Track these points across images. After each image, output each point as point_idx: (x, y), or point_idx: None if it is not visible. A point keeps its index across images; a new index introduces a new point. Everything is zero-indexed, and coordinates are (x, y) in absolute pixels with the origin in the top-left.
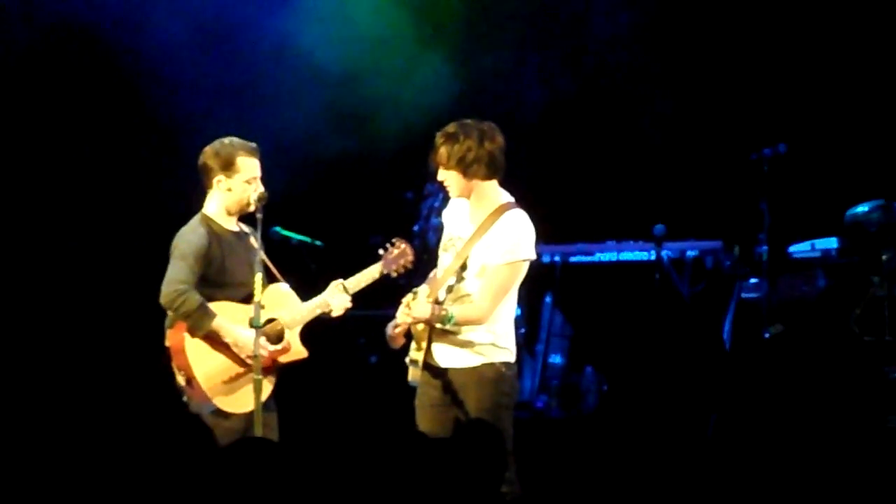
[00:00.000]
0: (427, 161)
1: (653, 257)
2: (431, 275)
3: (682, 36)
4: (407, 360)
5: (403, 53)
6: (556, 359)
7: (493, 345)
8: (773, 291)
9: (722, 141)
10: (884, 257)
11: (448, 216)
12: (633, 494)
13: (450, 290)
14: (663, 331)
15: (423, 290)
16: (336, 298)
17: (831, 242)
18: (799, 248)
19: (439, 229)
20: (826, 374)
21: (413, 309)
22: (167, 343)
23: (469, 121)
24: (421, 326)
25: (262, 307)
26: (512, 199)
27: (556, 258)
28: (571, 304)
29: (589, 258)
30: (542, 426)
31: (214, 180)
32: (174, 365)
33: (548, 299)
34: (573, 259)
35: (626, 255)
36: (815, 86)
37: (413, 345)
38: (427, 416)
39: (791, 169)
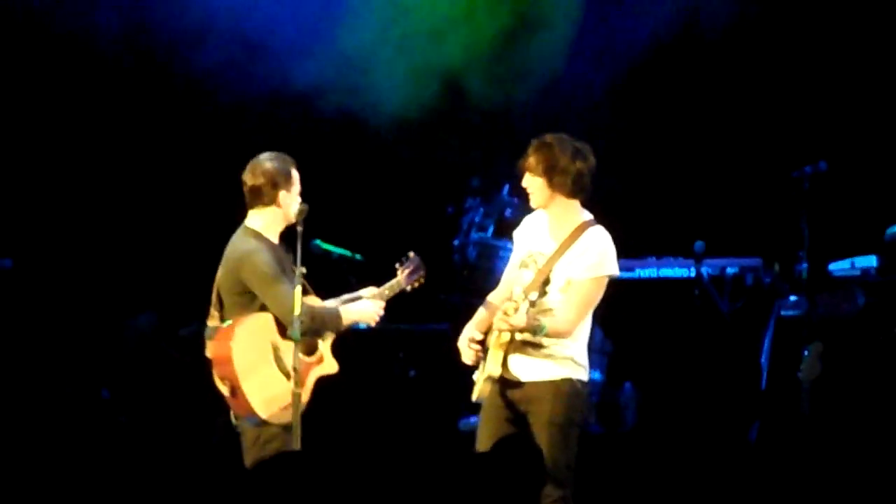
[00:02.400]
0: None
1: (693, 274)
2: (500, 291)
3: (723, 53)
4: (478, 376)
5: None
6: (595, 375)
7: (572, 360)
8: (812, 309)
9: (763, 158)
10: None
11: (524, 233)
12: None
13: (532, 304)
14: (702, 348)
15: (517, 294)
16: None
17: (871, 260)
18: (839, 266)
19: (479, 244)
20: (865, 389)
21: (512, 317)
22: (209, 354)
23: (566, 136)
24: (502, 340)
25: (302, 321)
26: (592, 218)
27: None
28: (611, 320)
29: (629, 274)
30: (581, 442)
31: (280, 196)
32: (217, 375)
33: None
34: None
35: (666, 272)
36: (856, 103)
37: (488, 360)
38: (492, 431)
39: (831, 187)
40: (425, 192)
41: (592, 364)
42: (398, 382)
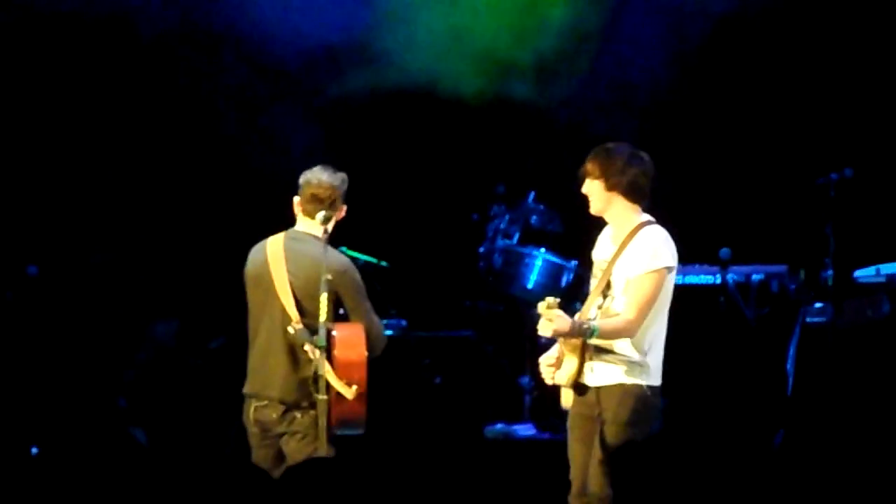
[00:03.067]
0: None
1: (718, 281)
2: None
3: (747, 58)
4: (560, 382)
5: None
6: None
7: (642, 365)
8: (838, 316)
9: (788, 165)
10: None
11: (596, 246)
12: None
13: (599, 308)
14: (728, 354)
15: (551, 300)
16: None
17: None
18: (864, 273)
19: (504, 251)
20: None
21: (555, 322)
22: (341, 353)
23: (626, 144)
24: (572, 347)
25: (330, 329)
26: (652, 219)
27: None
28: None
29: None
30: None
31: (343, 209)
32: (345, 378)
33: None
34: None
35: (692, 279)
36: (882, 109)
37: (561, 368)
38: (576, 437)
39: (857, 193)
40: (451, 199)
41: None
42: (424, 389)
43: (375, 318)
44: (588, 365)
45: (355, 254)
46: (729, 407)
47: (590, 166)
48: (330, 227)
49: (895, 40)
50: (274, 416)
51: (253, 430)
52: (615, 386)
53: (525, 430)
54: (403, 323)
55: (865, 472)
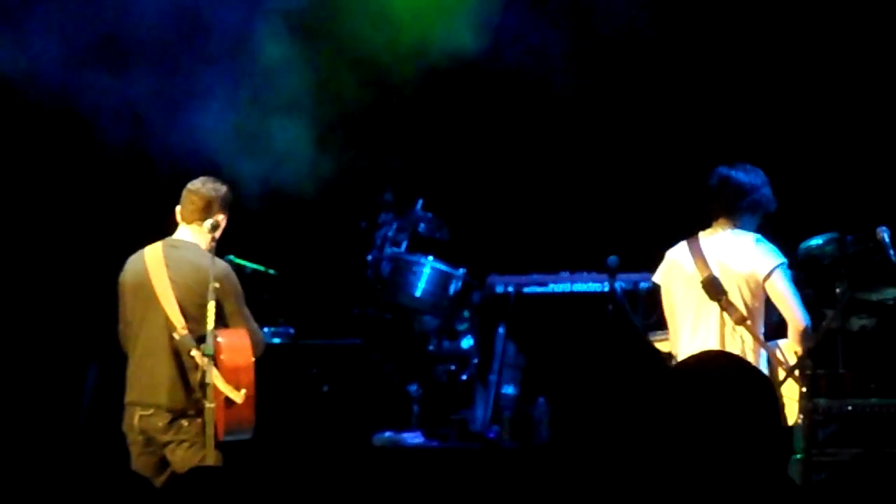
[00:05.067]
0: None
1: (606, 289)
2: None
3: (641, 64)
4: None
5: None
6: (508, 389)
7: None
8: None
9: (676, 172)
10: (837, 290)
11: None
12: None
13: None
14: (616, 362)
15: None
16: None
17: None
18: None
19: (392, 259)
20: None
21: None
22: (228, 358)
23: None
24: None
25: (215, 336)
26: None
27: (510, 289)
28: (525, 334)
29: (543, 289)
30: (494, 457)
31: (219, 218)
32: (233, 382)
33: (501, 330)
34: (527, 290)
35: (580, 287)
36: (770, 119)
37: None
38: None
39: None
40: (339, 206)
41: (506, 379)
42: (312, 397)
43: (254, 324)
44: None
45: (243, 262)
46: (617, 414)
47: None
48: (217, 234)
49: (784, 51)
50: (160, 424)
51: (136, 438)
52: None
53: (413, 437)
54: (291, 331)
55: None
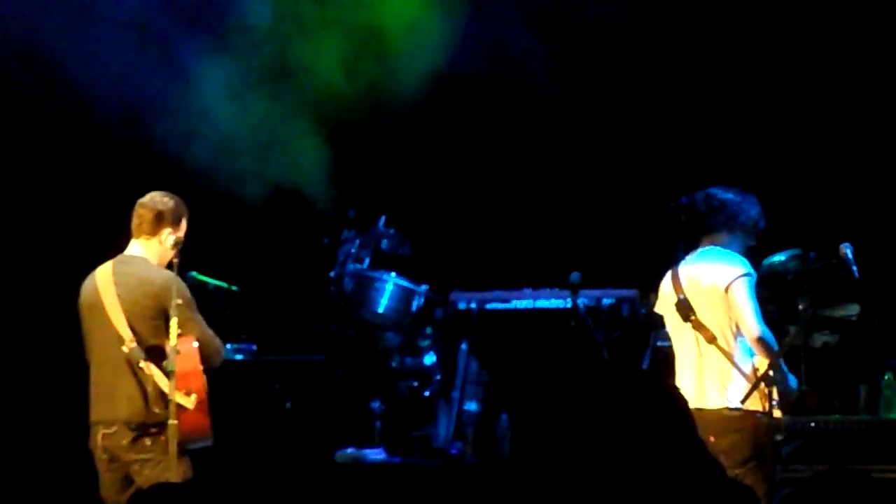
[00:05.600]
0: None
1: (569, 305)
2: None
3: (600, 82)
4: None
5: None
6: (471, 406)
7: None
8: None
9: (639, 189)
10: (800, 307)
11: None
12: None
13: None
14: (578, 378)
15: None
16: None
17: None
18: None
19: (355, 275)
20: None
21: None
22: (174, 366)
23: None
24: None
25: (178, 352)
26: None
27: (473, 305)
28: (487, 350)
29: (505, 305)
30: (457, 473)
31: (165, 232)
32: (183, 388)
33: (464, 346)
34: (489, 306)
35: (543, 303)
36: (730, 134)
37: None
38: None
39: None
40: (302, 223)
41: (469, 395)
42: (274, 413)
43: (208, 330)
44: None
45: (206, 278)
46: (579, 431)
47: None
48: (173, 249)
49: (740, 68)
50: (124, 442)
51: (101, 456)
52: None
53: (375, 454)
54: (254, 347)
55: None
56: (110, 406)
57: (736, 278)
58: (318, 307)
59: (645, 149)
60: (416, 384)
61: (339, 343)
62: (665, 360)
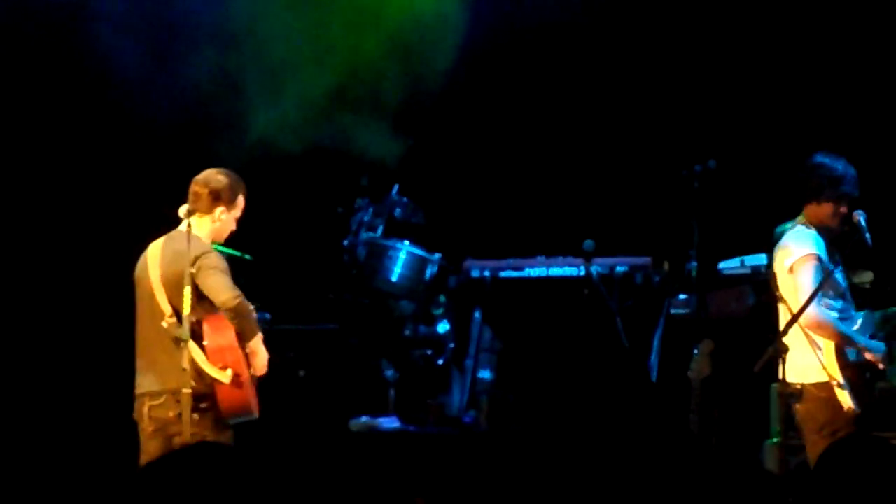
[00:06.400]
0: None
1: (582, 273)
2: None
3: (613, 50)
4: None
5: None
6: (485, 374)
7: None
8: (702, 307)
9: (652, 156)
10: None
11: None
12: None
13: None
14: (592, 346)
15: None
16: None
17: (761, 259)
18: (729, 265)
19: (368, 243)
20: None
21: None
22: (210, 340)
23: None
24: None
25: (200, 320)
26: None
27: (486, 273)
28: (501, 319)
29: (519, 273)
30: (470, 441)
31: (218, 210)
32: (218, 363)
33: (477, 314)
34: (503, 274)
35: (556, 271)
36: (745, 102)
37: None
38: None
39: (721, 185)
40: (315, 191)
41: (482, 363)
42: (288, 382)
43: (231, 289)
44: None
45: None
46: (593, 398)
47: None
48: (217, 232)
49: (756, 34)
50: (171, 414)
51: (147, 427)
52: None
53: (389, 422)
54: (267, 316)
55: (730, 460)
56: (158, 378)
57: (795, 260)
58: (331, 276)
59: (658, 116)
60: (429, 352)
61: (353, 312)
62: (680, 327)
